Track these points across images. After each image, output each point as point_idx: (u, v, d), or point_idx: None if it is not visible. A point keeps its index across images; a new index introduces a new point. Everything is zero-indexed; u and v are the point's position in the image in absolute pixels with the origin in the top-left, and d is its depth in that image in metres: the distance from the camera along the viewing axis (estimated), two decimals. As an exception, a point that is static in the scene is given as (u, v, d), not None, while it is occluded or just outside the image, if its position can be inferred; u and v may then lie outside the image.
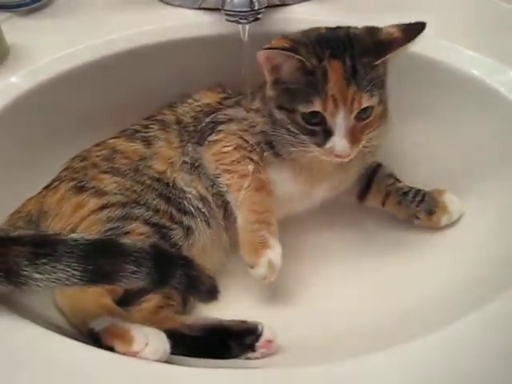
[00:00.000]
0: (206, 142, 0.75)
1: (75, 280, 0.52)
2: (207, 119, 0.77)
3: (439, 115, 0.82)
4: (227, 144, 0.73)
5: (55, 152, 0.77)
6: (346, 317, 0.69)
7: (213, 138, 0.75)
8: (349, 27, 0.69)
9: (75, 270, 0.52)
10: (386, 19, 0.81)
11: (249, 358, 0.63)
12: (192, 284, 0.57)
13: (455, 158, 0.81)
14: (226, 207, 0.75)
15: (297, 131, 0.68)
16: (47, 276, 0.52)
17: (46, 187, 0.74)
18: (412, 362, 0.49)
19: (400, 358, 0.50)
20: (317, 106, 0.65)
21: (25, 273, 0.52)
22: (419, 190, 0.81)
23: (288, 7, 0.86)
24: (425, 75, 0.80)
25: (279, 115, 0.70)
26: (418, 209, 0.79)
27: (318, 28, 0.70)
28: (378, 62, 0.64)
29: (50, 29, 0.85)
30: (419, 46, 0.78)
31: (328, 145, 0.66)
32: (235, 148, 0.73)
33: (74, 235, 0.55)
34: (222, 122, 0.76)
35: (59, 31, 0.84)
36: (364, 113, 0.66)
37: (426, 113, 0.82)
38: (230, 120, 0.76)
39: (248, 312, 0.68)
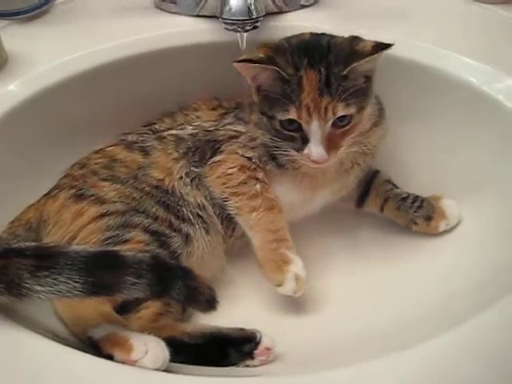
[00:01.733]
0: (208, 163, 0.75)
1: (76, 292, 0.52)
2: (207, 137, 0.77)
3: (436, 123, 0.82)
4: (231, 165, 0.73)
5: (55, 159, 0.77)
6: (345, 323, 0.70)
7: (215, 159, 0.75)
8: (333, 36, 0.70)
9: (76, 282, 0.52)
10: (381, 26, 0.82)
11: (248, 366, 0.63)
12: (191, 295, 0.57)
13: (452, 165, 0.81)
14: (223, 216, 0.75)
15: (277, 137, 0.69)
16: (48, 288, 0.52)
17: (46, 195, 0.74)
18: (410, 369, 0.49)
19: (398, 365, 0.50)
20: (292, 114, 0.66)
21: (26, 285, 0.52)
22: (417, 196, 0.81)
23: (285, 15, 0.86)
24: (423, 83, 0.80)
25: (262, 120, 0.71)
26: (416, 214, 0.79)
27: (302, 34, 0.71)
28: (345, 71, 0.64)
29: (48, 36, 0.85)
30: (417, 53, 0.79)
31: (305, 151, 0.67)
32: (240, 169, 0.73)
33: (75, 247, 0.55)
34: (223, 141, 0.76)
35: (58, 39, 0.84)
36: (341, 121, 0.67)
37: (423, 120, 0.82)
38: (230, 138, 0.76)
39: (247, 319, 0.68)
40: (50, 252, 0.54)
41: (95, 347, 0.57)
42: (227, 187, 0.73)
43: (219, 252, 0.76)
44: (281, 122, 0.68)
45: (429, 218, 0.79)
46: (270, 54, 0.67)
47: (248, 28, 0.75)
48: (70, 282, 0.52)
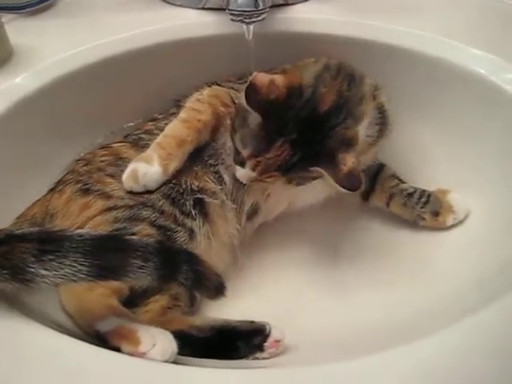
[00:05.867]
0: None
1: (82, 275, 0.52)
2: None
3: (445, 114, 0.81)
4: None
5: (60, 151, 0.77)
6: (351, 316, 0.69)
7: None
8: (346, 120, 0.65)
9: (82, 265, 0.52)
10: (389, 18, 0.82)
11: (257, 358, 0.62)
12: (198, 280, 0.57)
13: (460, 157, 0.81)
14: (242, 201, 0.75)
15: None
16: (54, 272, 0.52)
17: (51, 190, 0.73)
18: (415, 362, 0.49)
19: (404, 358, 0.50)
20: (245, 153, 0.66)
21: (31, 270, 0.51)
22: (424, 191, 0.80)
23: (292, 7, 0.86)
24: (431, 74, 0.80)
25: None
26: (423, 210, 0.78)
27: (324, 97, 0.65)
28: (310, 169, 0.65)
29: (54, 30, 0.85)
30: (425, 44, 0.79)
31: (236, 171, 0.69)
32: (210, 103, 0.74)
33: (79, 231, 0.55)
34: None
35: (63, 32, 0.84)
36: None
37: (431, 112, 0.82)
38: None
39: (256, 312, 0.68)
40: (54, 236, 0.54)
41: (102, 340, 0.57)
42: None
43: (227, 246, 0.75)
44: (236, 147, 0.68)
45: (436, 213, 0.78)
46: (285, 93, 0.63)
47: (254, 19, 0.74)
48: (76, 265, 0.52)
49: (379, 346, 0.52)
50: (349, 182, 0.63)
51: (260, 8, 0.74)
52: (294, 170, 0.65)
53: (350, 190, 0.63)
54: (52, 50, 0.80)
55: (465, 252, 0.74)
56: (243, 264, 0.75)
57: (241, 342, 0.62)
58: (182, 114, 0.73)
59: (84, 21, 0.86)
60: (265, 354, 0.62)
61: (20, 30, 0.83)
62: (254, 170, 0.66)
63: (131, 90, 0.83)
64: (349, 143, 0.64)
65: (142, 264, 0.53)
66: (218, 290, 0.58)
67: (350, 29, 0.82)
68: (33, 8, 0.88)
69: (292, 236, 0.79)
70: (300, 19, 0.83)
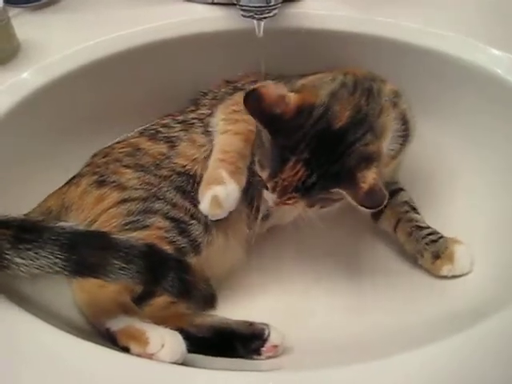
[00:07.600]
0: None
1: (58, 269, 0.52)
2: None
3: (460, 115, 0.81)
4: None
5: (69, 147, 0.77)
6: (357, 320, 0.69)
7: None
8: (364, 136, 0.62)
9: (57, 258, 0.52)
10: (404, 14, 0.82)
11: (255, 359, 0.63)
12: (185, 289, 0.56)
13: (476, 160, 0.80)
14: (251, 201, 0.73)
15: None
16: (30, 262, 0.52)
17: (68, 182, 0.73)
18: (412, 369, 0.49)
19: (411, 363, 0.50)
20: (264, 175, 0.64)
21: (7, 256, 0.52)
22: (437, 232, 0.76)
23: (302, 2, 0.84)
24: (447, 73, 0.79)
25: None
26: (427, 247, 0.74)
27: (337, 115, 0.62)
28: (330, 190, 0.62)
29: (60, 24, 0.84)
30: (441, 43, 0.77)
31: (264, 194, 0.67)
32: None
33: (62, 223, 0.55)
34: None
35: (70, 27, 0.83)
36: None
37: (447, 113, 0.81)
38: None
39: (260, 311, 0.69)
40: (36, 226, 0.54)
41: (112, 340, 0.57)
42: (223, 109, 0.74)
43: (240, 243, 0.74)
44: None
45: (437, 256, 0.73)
46: (294, 111, 0.62)
47: (265, 15, 0.73)
48: (51, 257, 0.51)
49: (385, 350, 0.52)
50: (370, 199, 0.60)
51: (271, 4, 0.73)
52: (313, 191, 0.62)
53: (371, 207, 0.61)
54: (59, 44, 0.79)
55: (476, 259, 0.72)
56: (252, 263, 0.75)
57: (239, 344, 0.62)
58: (230, 127, 0.71)
59: (91, 15, 0.85)
60: (262, 357, 0.62)
61: (26, 25, 0.82)
62: (273, 192, 0.63)
63: (141, 85, 0.82)
64: (369, 159, 0.61)
65: (124, 266, 0.53)
66: (206, 301, 0.58)
67: (362, 25, 0.81)
68: (39, 2, 0.87)
69: (303, 242, 0.78)
70: (311, 15, 0.82)
